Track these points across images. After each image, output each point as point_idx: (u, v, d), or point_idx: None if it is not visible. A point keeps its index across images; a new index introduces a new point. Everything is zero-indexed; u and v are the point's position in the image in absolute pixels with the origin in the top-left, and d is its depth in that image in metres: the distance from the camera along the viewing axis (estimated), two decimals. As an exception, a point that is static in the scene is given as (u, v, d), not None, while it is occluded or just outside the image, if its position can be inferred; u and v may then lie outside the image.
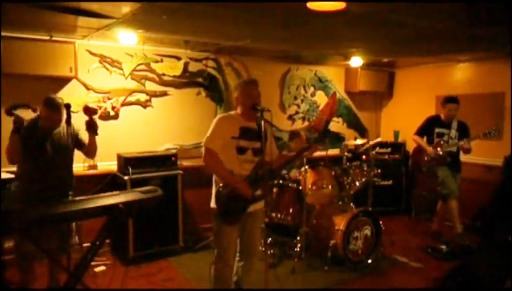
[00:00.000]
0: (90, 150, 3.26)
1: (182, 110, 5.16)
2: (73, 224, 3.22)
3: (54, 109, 3.01)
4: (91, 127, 3.15)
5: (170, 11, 3.12)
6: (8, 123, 2.99)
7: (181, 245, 4.50)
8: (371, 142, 5.04)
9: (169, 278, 3.89)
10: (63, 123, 3.14)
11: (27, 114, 3.06)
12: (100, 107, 4.61)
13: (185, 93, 5.16)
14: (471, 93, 5.70)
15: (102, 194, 2.46)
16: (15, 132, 2.89)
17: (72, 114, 3.13)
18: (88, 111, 3.15)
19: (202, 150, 2.85)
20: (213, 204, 2.92)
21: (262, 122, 2.80)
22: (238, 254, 3.10)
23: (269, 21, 3.49)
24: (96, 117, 3.27)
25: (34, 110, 3.04)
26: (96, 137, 3.22)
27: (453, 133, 4.92)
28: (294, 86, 6.14)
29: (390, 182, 5.77)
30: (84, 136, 3.24)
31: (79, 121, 3.36)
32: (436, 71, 6.16)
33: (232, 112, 3.02)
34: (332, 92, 6.51)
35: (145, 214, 4.05)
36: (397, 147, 6.15)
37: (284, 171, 4.45)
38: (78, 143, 3.26)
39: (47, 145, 3.05)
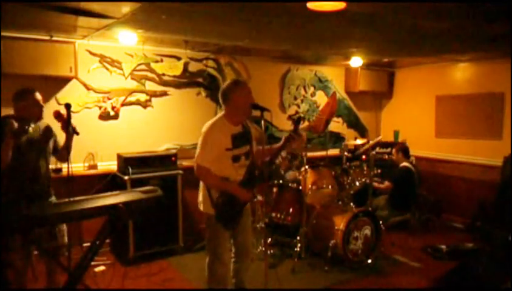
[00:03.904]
0: (65, 152, 2.95)
1: (182, 110, 5.16)
2: (63, 226, 3.13)
3: (27, 95, 2.83)
4: (68, 125, 2.87)
5: (170, 11, 3.12)
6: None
7: (181, 245, 4.50)
8: (371, 142, 5.05)
9: (169, 278, 3.90)
10: (41, 124, 2.98)
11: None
12: (100, 108, 4.61)
13: (185, 93, 5.16)
14: (470, 93, 5.70)
15: (102, 194, 2.46)
16: (11, 137, 2.71)
17: (72, 114, 3.10)
18: (60, 117, 2.89)
19: (194, 165, 2.83)
20: (204, 209, 2.92)
21: (263, 122, 2.80)
22: (233, 256, 3.09)
23: (269, 21, 3.49)
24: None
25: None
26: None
27: None
28: (294, 86, 6.14)
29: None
30: (60, 140, 3.08)
31: (78, 121, 3.33)
32: (436, 71, 6.16)
33: (218, 119, 2.91)
34: (332, 92, 6.51)
35: (145, 214, 4.05)
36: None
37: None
38: (54, 147, 3.10)
39: (25, 144, 2.87)
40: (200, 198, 2.98)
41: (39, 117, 2.96)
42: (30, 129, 2.90)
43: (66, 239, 3.12)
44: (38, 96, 2.93)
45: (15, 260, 2.98)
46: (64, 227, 3.10)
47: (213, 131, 2.84)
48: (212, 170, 2.82)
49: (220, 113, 2.99)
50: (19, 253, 2.96)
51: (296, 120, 3.12)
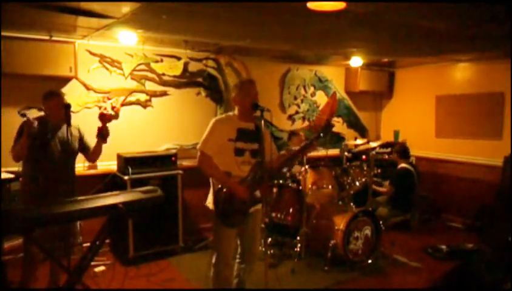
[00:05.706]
0: (94, 155, 3.26)
1: (182, 110, 5.16)
2: (78, 224, 3.20)
3: (52, 96, 3.05)
4: (102, 134, 3.11)
5: (170, 11, 3.12)
6: (10, 123, 2.98)
7: (181, 245, 4.50)
8: (372, 144, 5.06)
9: (169, 278, 3.89)
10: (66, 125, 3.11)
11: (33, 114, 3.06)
12: (100, 108, 4.61)
13: (185, 93, 5.16)
14: (470, 93, 5.69)
15: (102, 194, 2.47)
16: (28, 135, 2.84)
17: (72, 115, 3.11)
18: (103, 118, 3.11)
19: (197, 153, 2.85)
20: (211, 205, 2.91)
21: (263, 122, 2.80)
22: (238, 256, 3.09)
23: (269, 21, 3.49)
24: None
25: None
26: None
27: None
28: (294, 86, 6.14)
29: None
30: (89, 139, 3.23)
31: (78, 121, 3.37)
32: (436, 71, 6.16)
33: (230, 113, 3.00)
34: (332, 92, 6.51)
35: (145, 214, 4.05)
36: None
37: (284, 170, 4.45)
38: (82, 147, 3.24)
39: (52, 145, 3.03)
40: (210, 193, 2.97)
41: (63, 119, 3.04)
42: (59, 133, 3.10)
43: (81, 238, 3.20)
44: (63, 99, 3.11)
45: (24, 259, 3.02)
46: (78, 226, 3.18)
47: (220, 121, 2.90)
48: (215, 161, 2.83)
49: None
50: (28, 253, 3.00)
51: (326, 128, 3.01)
